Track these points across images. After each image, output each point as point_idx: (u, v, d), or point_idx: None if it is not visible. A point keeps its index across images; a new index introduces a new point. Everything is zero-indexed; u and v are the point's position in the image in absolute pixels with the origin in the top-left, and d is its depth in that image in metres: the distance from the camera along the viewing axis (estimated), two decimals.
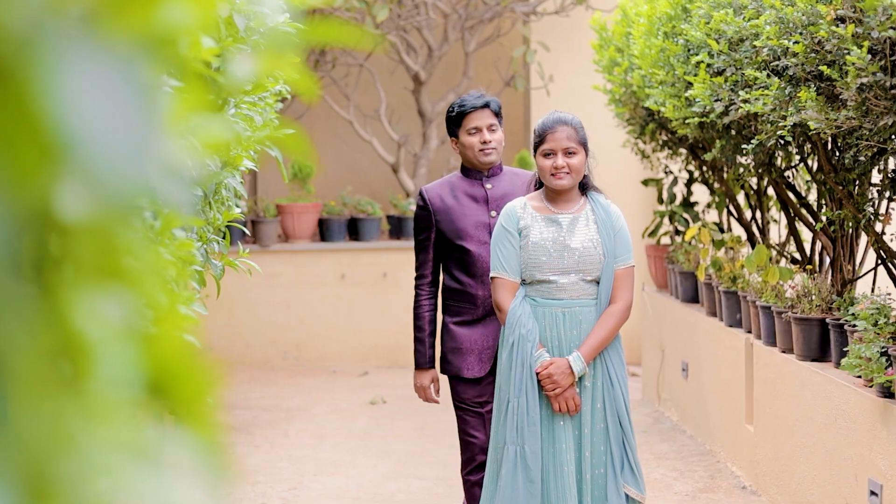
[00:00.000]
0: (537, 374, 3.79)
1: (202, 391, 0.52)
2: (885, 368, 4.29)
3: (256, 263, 10.13)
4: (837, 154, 5.20)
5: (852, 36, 3.79)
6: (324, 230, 9.02)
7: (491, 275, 3.94)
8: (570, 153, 3.86)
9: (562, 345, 3.84)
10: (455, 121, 4.40)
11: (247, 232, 3.61)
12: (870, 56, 3.72)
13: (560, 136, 3.86)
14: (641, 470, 3.87)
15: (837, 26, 3.85)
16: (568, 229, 3.87)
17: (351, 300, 8.93)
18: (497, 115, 4.40)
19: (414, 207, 9.08)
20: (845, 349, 4.71)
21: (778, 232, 6.97)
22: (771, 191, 6.50)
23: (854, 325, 4.62)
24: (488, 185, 4.37)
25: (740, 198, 7.13)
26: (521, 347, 3.79)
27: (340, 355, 8.90)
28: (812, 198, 6.23)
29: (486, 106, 4.37)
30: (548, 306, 3.85)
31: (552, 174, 3.86)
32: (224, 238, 3.35)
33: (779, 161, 5.89)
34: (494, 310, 3.97)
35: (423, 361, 4.42)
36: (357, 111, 9.65)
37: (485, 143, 4.34)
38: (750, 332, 5.83)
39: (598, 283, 3.88)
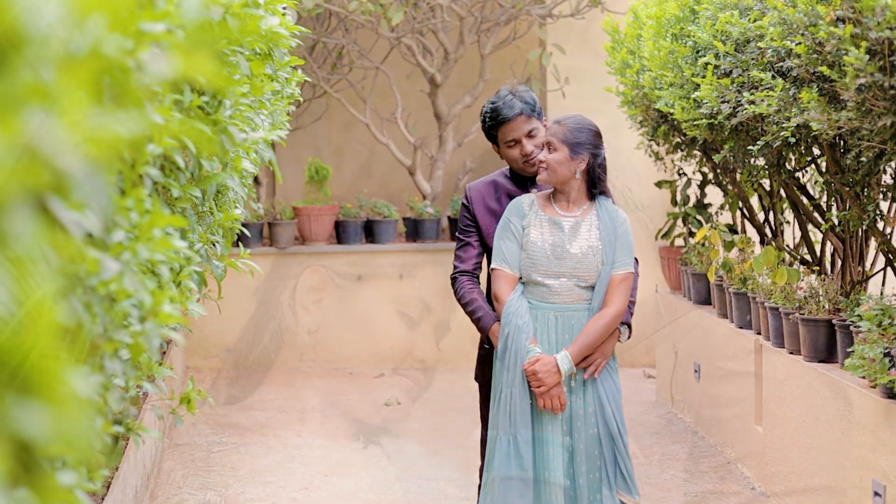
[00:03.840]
0: (524, 370, 3.81)
1: (58, 374, 0.54)
2: (889, 369, 4.28)
3: (273, 265, 10.09)
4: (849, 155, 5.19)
5: (851, 36, 3.79)
6: (340, 232, 9.05)
7: (492, 266, 3.95)
8: (551, 149, 3.88)
9: (552, 348, 3.87)
10: (490, 131, 4.10)
11: (247, 234, 3.64)
12: (868, 56, 3.72)
13: (547, 131, 3.91)
14: (633, 474, 3.89)
15: (836, 27, 3.85)
16: (569, 234, 3.88)
17: (367, 302, 8.96)
18: (532, 115, 4.04)
19: (430, 210, 9.19)
20: (851, 350, 4.70)
21: (791, 233, 6.94)
22: (783, 192, 6.49)
23: (858, 327, 4.61)
24: (534, 190, 4.08)
25: (753, 200, 7.11)
26: (515, 338, 3.81)
27: (356, 357, 8.93)
28: (825, 199, 6.21)
29: (520, 114, 4.02)
30: (541, 309, 3.88)
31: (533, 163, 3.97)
32: (238, 239, 3.38)
33: (792, 162, 5.88)
34: (493, 301, 3.96)
35: (488, 322, 3.96)
36: (373, 114, 9.69)
37: (526, 155, 4.03)
38: (759, 333, 5.82)
39: (593, 288, 3.89)
